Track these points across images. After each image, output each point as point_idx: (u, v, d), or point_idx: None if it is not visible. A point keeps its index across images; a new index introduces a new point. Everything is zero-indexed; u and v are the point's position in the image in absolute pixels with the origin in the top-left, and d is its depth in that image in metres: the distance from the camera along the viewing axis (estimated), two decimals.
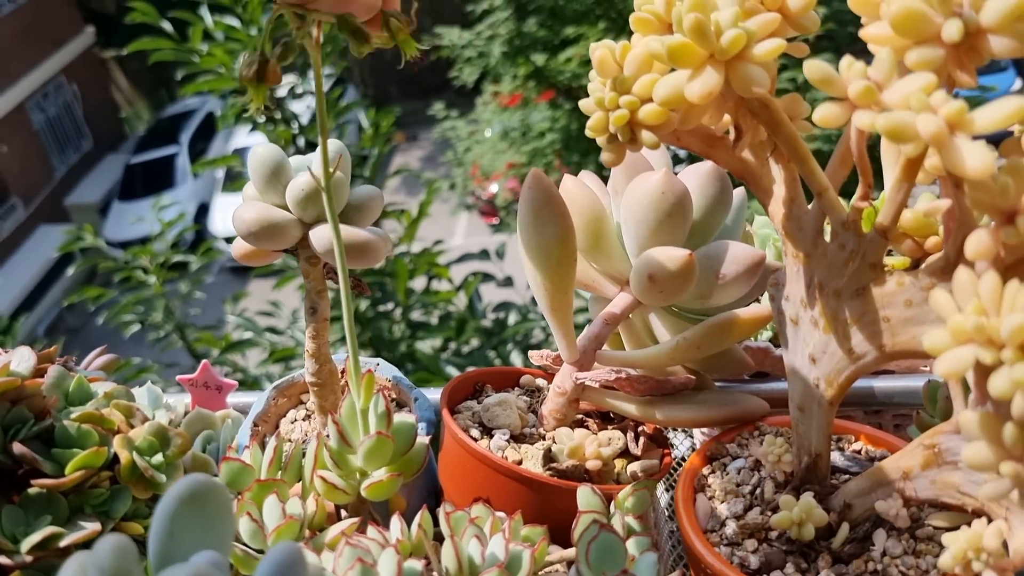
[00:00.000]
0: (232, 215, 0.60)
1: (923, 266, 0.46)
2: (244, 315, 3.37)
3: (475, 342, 3.32)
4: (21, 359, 0.58)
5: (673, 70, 0.48)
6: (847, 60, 0.40)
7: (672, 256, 0.57)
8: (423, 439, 0.55)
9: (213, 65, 2.73)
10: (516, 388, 0.69)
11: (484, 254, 3.48)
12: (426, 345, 3.39)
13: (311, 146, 2.82)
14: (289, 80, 3.01)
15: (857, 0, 0.44)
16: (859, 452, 0.61)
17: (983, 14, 0.38)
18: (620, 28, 3.92)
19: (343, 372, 0.68)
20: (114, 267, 3.42)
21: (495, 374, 0.69)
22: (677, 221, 0.59)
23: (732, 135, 0.50)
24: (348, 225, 0.59)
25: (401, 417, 0.54)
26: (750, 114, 0.47)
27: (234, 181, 4.36)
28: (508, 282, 3.35)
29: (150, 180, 10.02)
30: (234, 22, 2.74)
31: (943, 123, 0.37)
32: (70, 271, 6.08)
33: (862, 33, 0.41)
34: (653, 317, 0.65)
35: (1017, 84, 8.34)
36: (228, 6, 2.71)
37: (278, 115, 2.90)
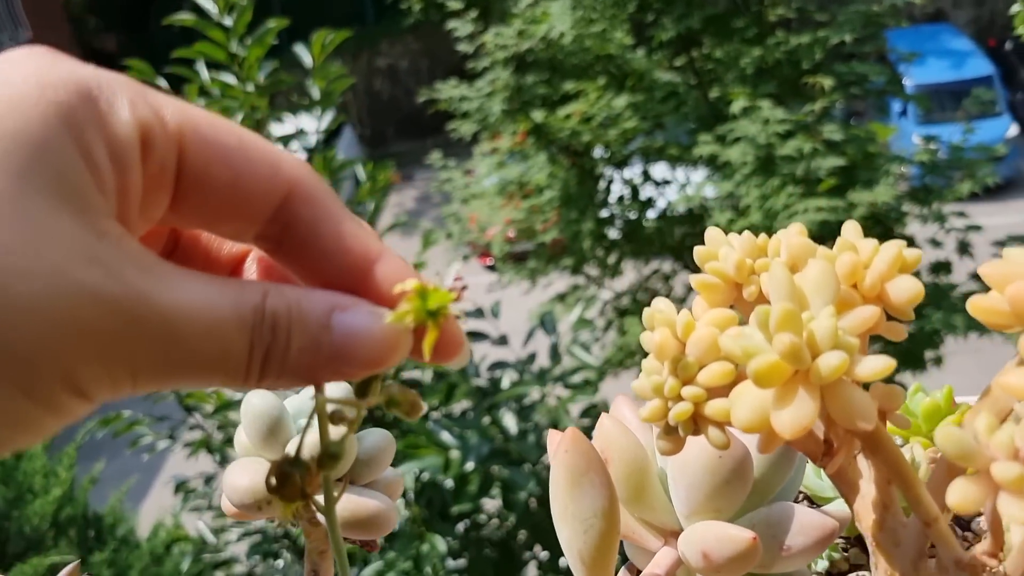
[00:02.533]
0: (224, 478, 0.52)
1: None
2: None
3: (467, 402, 3.24)
4: None
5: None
6: (985, 419, 0.33)
7: (732, 537, 0.49)
8: None
9: None
10: None
11: (479, 313, 3.40)
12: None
13: None
14: (284, 128, 2.95)
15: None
16: None
17: None
18: (620, 84, 3.87)
19: None
20: None
21: None
22: (736, 487, 0.51)
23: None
24: (354, 490, 0.52)
25: None
26: (845, 429, 0.40)
27: None
28: (503, 341, 3.26)
29: None
30: (230, 79, 2.68)
31: None
32: None
33: (999, 381, 0.34)
34: None
35: (1012, 130, 8.33)
36: (225, 63, 2.64)
37: None
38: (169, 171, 0.32)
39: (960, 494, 0.32)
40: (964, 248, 3.68)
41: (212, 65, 2.67)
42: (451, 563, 3.13)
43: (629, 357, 3.90)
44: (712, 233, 0.47)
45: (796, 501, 0.62)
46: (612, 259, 4.12)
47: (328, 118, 2.85)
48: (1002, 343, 3.73)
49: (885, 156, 3.44)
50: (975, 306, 0.37)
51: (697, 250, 0.46)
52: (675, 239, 4.03)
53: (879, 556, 0.43)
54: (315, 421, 0.36)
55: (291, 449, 0.48)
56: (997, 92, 8.43)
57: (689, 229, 4.00)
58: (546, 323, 3.26)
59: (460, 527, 3.18)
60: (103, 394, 0.28)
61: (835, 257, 0.41)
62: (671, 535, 0.56)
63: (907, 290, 0.39)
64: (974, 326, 3.43)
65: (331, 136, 4.66)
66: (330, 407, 0.36)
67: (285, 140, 2.84)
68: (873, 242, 0.41)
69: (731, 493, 0.51)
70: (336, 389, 0.45)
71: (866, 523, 0.43)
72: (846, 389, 0.36)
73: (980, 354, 3.83)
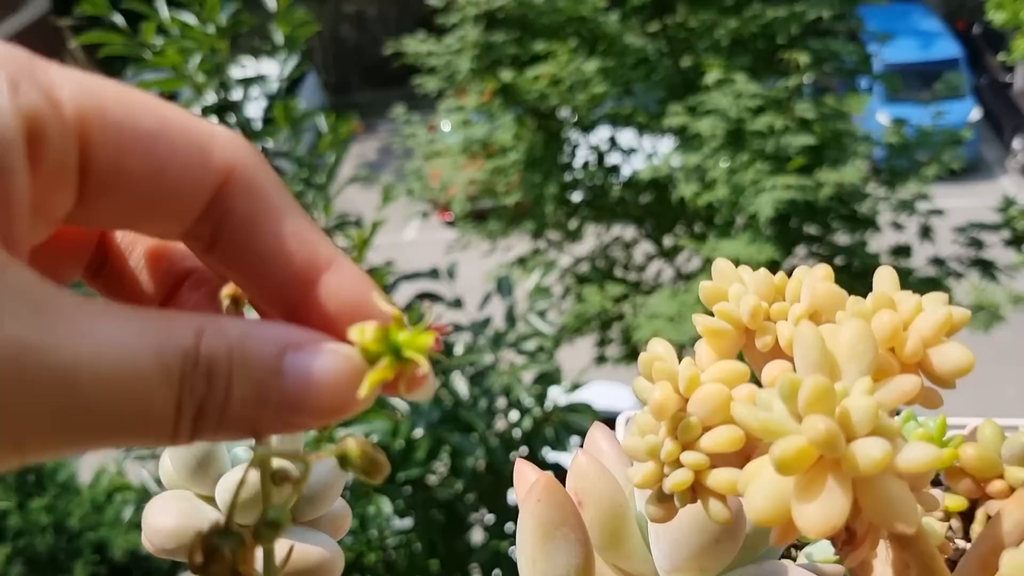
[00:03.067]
0: (144, 515, 0.45)
1: None
2: None
3: None
4: None
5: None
6: None
7: None
8: None
9: (165, 65, 2.56)
10: None
11: (434, 273, 3.32)
12: None
13: (263, 152, 2.65)
14: (245, 72, 2.84)
15: None
16: None
17: None
18: (591, 47, 3.79)
19: None
20: None
21: None
22: (725, 546, 0.46)
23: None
24: (296, 531, 0.45)
25: None
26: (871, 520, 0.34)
27: None
28: (457, 304, 3.18)
29: None
30: (190, 19, 2.57)
31: None
32: None
33: None
34: None
35: (975, 114, 8.35)
36: (185, 2, 2.53)
37: (232, 119, 2.73)
38: (70, 168, 0.25)
39: None
40: (926, 232, 3.66)
41: (172, 3, 2.55)
42: (398, 523, 3.08)
43: (585, 324, 3.85)
44: (721, 265, 0.41)
45: None
46: (573, 224, 4.05)
47: (292, 65, 2.75)
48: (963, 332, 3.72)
49: (854, 136, 3.40)
50: None
51: (703, 286, 0.40)
52: (639, 207, 3.97)
53: None
54: (253, 477, 0.29)
55: (220, 494, 0.41)
56: (963, 75, 8.43)
57: (653, 197, 3.94)
58: (502, 286, 3.20)
59: (408, 489, 3.13)
60: None
61: (870, 314, 0.35)
62: None
63: (956, 361, 0.34)
64: None
65: (294, 83, 4.52)
66: (274, 462, 0.29)
67: (246, 83, 2.74)
68: (915, 298, 0.35)
69: (719, 552, 0.46)
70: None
71: None
72: (885, 485, 0.30)
73: None
